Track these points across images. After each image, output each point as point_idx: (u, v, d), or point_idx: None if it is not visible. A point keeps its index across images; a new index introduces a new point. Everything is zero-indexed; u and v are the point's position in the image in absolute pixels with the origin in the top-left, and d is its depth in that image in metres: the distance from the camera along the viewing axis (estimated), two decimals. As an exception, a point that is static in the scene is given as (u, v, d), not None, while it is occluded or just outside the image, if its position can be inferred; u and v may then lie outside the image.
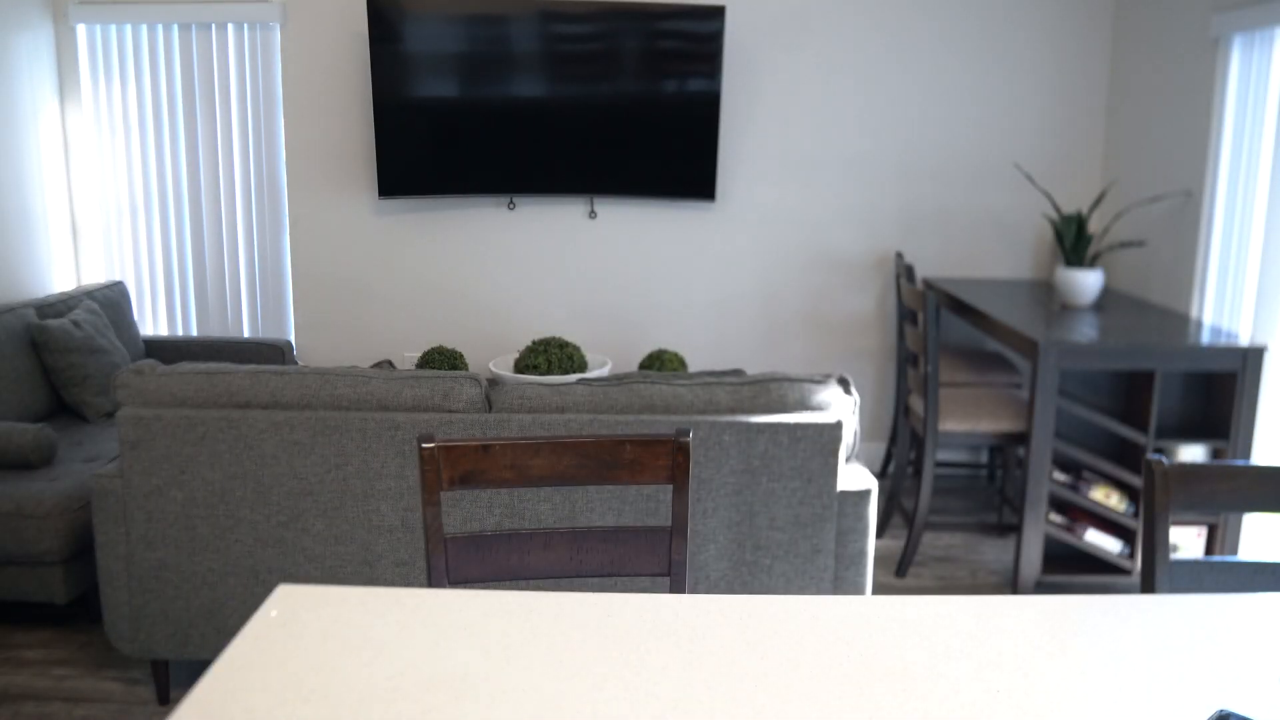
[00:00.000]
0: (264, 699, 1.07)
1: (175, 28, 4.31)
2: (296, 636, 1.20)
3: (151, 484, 2.48)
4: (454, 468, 1.55)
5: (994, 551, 3.81)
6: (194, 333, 4.57)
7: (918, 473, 3.65)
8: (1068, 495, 3.29)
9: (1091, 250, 4.25)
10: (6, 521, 2.82)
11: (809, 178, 4.46)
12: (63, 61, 4.32)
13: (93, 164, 4.41)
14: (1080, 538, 3.33)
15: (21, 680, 2.81)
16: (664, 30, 4.17)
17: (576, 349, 4.07)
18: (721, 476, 2.46)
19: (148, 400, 2.49)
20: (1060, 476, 3.39)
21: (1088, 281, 3.69)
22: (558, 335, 4.47)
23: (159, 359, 3.94)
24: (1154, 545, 1.53)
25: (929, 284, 4.28)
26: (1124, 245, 3.91)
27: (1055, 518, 3.38)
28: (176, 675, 2.84)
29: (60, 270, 4.36)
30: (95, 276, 4.52)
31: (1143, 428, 3.22)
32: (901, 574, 3.56)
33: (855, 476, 2.55)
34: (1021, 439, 3.47)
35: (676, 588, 1.62)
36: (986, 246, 4.51)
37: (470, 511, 2.48)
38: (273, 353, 4.22)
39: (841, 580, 2.55)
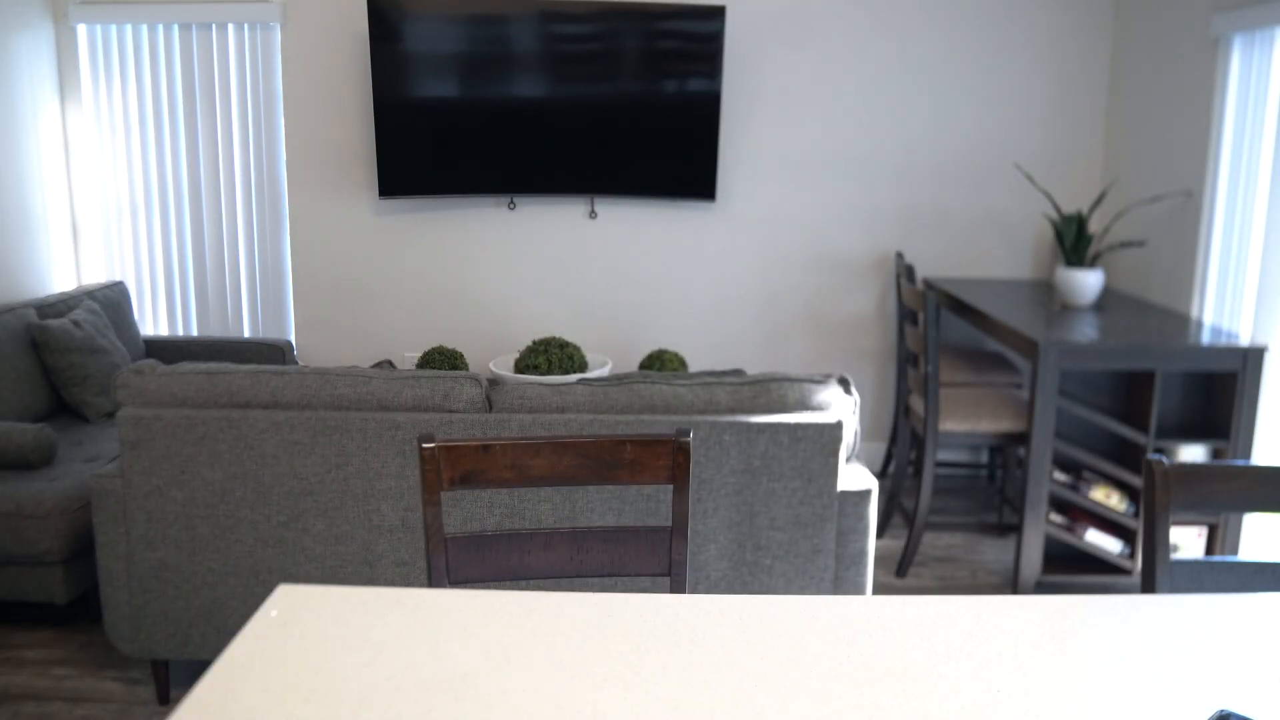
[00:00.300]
0: (264, 699, 1.07)
1: (175, 28, 4.31)
2: (296, 636, 1.20)
3: (151, 484, 2.48)
4: (454, 468, 1.55)
5: (994, 551, 3.81)
6: (194, 333, 4.57)
7: (918, 473, 3.65)
8: (1068, 495, 3.29)
9: (1091, 250, 4.25)
10: (6, 521, 2.82)
11: (809, 178, 4.46)
12: (63, 61, 4.32)
13: (93, 164, 4.41)
14: (1080, 538, 3.33)
15: (21, 680, 2.81)
16: (664, 30, 4.17)
17: (576, 349, 4.07)
18: (722, 476, 2.46)
19: (148, 400, 2.49)
20: (1060, 476, 3.39)
21: (1088, 281, 3.69)
22: (558, 335, 4.47)
23: (159, 359, 3.94)
24: (1154, 545, 1.53)
25: (929, 284, 4.28)
26: (1124, 245, 3.91)
27: (1055, 518, 3.38)
28: (176, 675, 2.84)
29: (60, 270, 4.36)
30: (95, 276, 4.52)
31: (1143, 428, 3.22)
32: (901, 574, 3.56)
33: (855, 476, 2.55)
34: (1022, 439, 3.47)
35: (676, 588, 1.62)
36: (986, 246, 4.51)
37: (470, 511, 2.48)
38: (273, 353, 4.22)
39: (841, 580, 2.55)
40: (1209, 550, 3.29)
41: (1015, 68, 4.36)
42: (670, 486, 2.16)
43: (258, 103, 4.38)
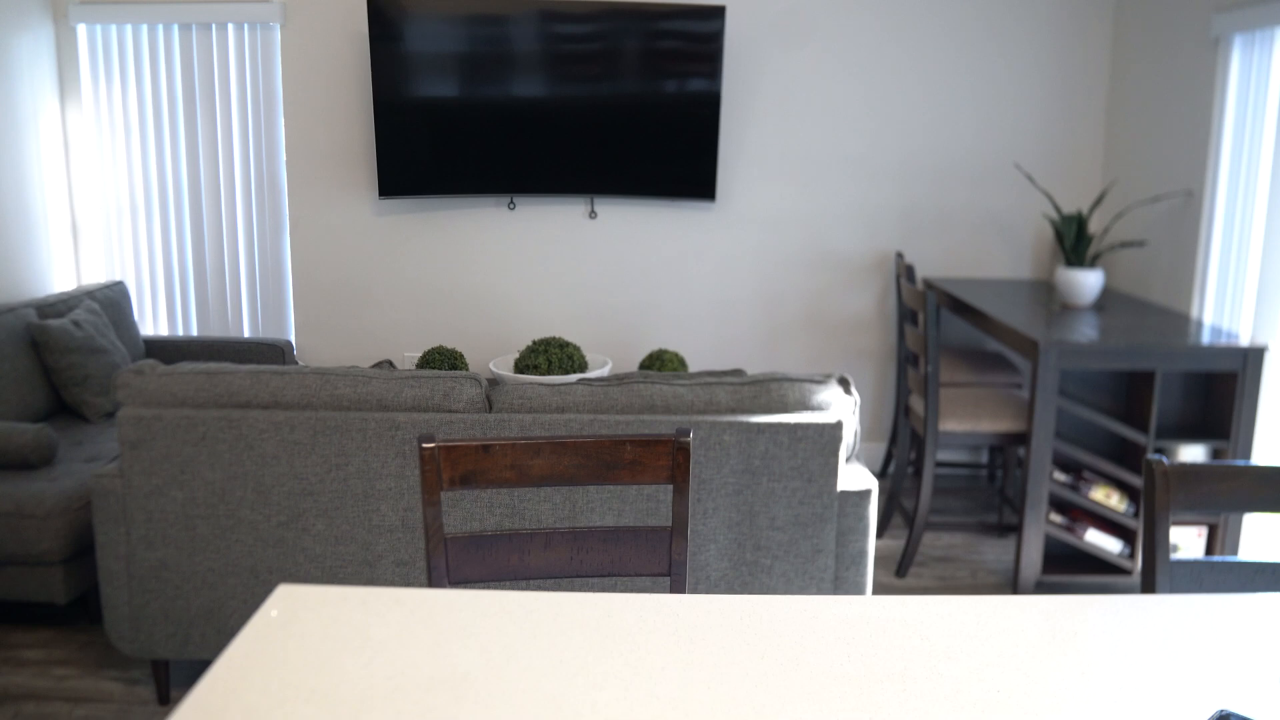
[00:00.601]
0: (264, 699, 1.07)
1: (175, 28, 4.31)
2: (296, 636, 1.20)
3: (151, 484, 2.48)
4: (454, 468, 1.55)
5: (994, 551, 3.81)
6: (194, 333, 4.57)
7: (918, 473, 3.65)
8: (1068, 495, 3.29)
9: (1092, 250, 4.25)
10: (6, 521, 2.82)
11: (809, 178, 4.46)
12: (63, 61, 4.32)
13: (93, 164, 4.41)
14: (1080, 538, 3.33)
15: (21, 680, 2.81)
16: (664, 30, 4.17)
17: (576, 349, 4.07)
18: (722, 476, 2.46)
19: (148, 400, 2.49)
20: (1060, 476, 3.39)
21: (1088, 281, 3.69)
22: (558, 335, 4.47)
23: (159, 359, 3.94)
24: (1154, 545, 1.53)
25: (929, 284, 4.28)
26: (1124, 245, 3.91)
27: (1055, 518, 3.38)
28: (176, 675, 2.84)
29: (60, 270, 4.36)
30: (95, 276, 4.52)
31: (1143, 428, 3.22)
32: (901, 574, 3.56)
33: (855, 476, 2.55)
34: (1022, 439, 3.47)
35: (676, 588, 1.62)
36: (986, 246, 4.51)
37: (470, 511, 2.48)
38: (273, 353, 4.22)
39: (842, 580, 2.55)
40: (1209, 550, 3.29)
41: (1015, 68, 4.36)
42: (670, 486, 2.16)
43: (258, 103, 4.38)
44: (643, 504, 2.47)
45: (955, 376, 3.86)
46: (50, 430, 3.11)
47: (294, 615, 1.26)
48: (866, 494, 2.51)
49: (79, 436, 3.46)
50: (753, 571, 2.51)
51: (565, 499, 2.46)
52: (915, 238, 4.50)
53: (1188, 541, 3.29)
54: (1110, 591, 3.42)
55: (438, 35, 4.14)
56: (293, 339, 4.57)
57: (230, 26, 4.32)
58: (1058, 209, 3.86)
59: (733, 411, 2.48)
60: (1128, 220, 4.18)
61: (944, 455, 4.74)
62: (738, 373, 2.74)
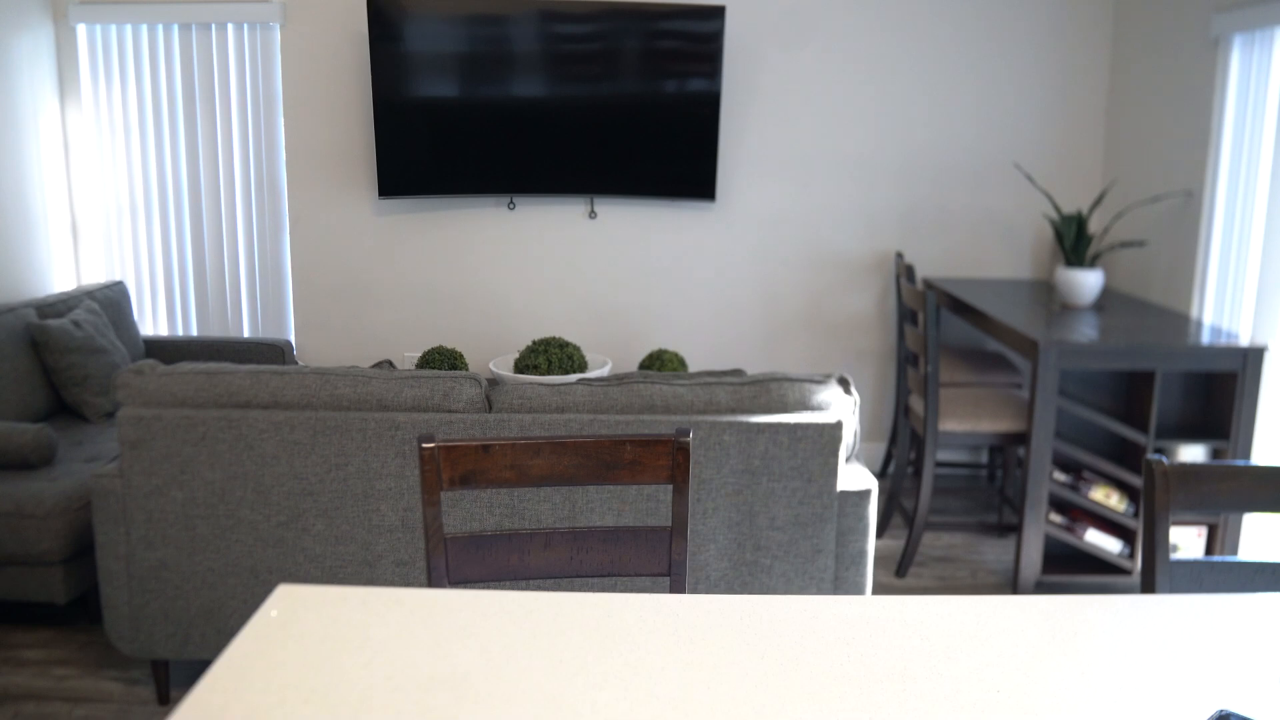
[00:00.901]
0: (264, 699, 1.07)
1: (175, 28, 4.31)
2: (296, 636, 1.20)
3: (151, 484, 2.48)
4: (454, 468, 1.55)
5: (994, 551, 3.81)
6: (194, 333, 4.57)
7: (918, 473, 3.65)
8: (1068, 495, 3.29)
9: (1091, 250, 4.25)
10: (6, 521, 2.82)
11: (809, 178, 4.46)
12: (63, 61, 4.32)
13: (93, 164, 4.41)
14: (1080, 538, 3.33)
15: (21, 680, 2.81)
16: (664, 30, 4.17)
17: (576, 349, 4.07)
18: (721, 476, 2.46)
19: (148, 400, 2.49)
20: (1060, 476, 3.39)
21: (1088, 281, 3.69)
22: (558, 335, 4.47)
23: (159, 359, 3.94)
24: (1154, 545, 1.53)
25: (929, 284, 4.28)
26: (1124, 245, 3.91)
27: (1055, 518, 3.38)
28: (176, 675, 2.85)
29: (60, 270, 4.36)
30: (95, 276, 4.52)
31: (1143, 428, 3.22)
32: (901, 574, 3.56)
33: (855, 476, 2.55)
34: (1021, 439, 3.47)
35: (676, 588, 1.62)
36: (986, 246, 4.51)
37: (470, 511, 2.48)
38: (273, 353, 4.22)
39: (841, 580, 2.55)
40: (1209, 550, 3.29)
41: (1015, 67, 4.36)
42: (670, 486, 2.16)
43: (258, 103, 4.38)
44: (643, 504, 2.47)
45: (955, 376, 3.86)
46: (50, 430, 3.11)
47: (294, 615, 1.26)
48: (866, 494, 2.51)
49: (79, 436, 3.46)
50: (753, 571, 2.51)
51: (565, 499, 2.46)
52: (915, 238, 4.50)
53: (1188, 541, 3.29)
54: (1110, 591, 3.42)
55: (438, 35, 4.14)
56: (293, 339, 4.57)
57: (230, 26, 4.32)
58: (1058, 209, 3.86)
59: (733, 411, 2.48)
60: (1128, 220, 4.18)
61: (944, 455, 4.74)
62: (738, 373, 2.74)
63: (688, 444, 1.58)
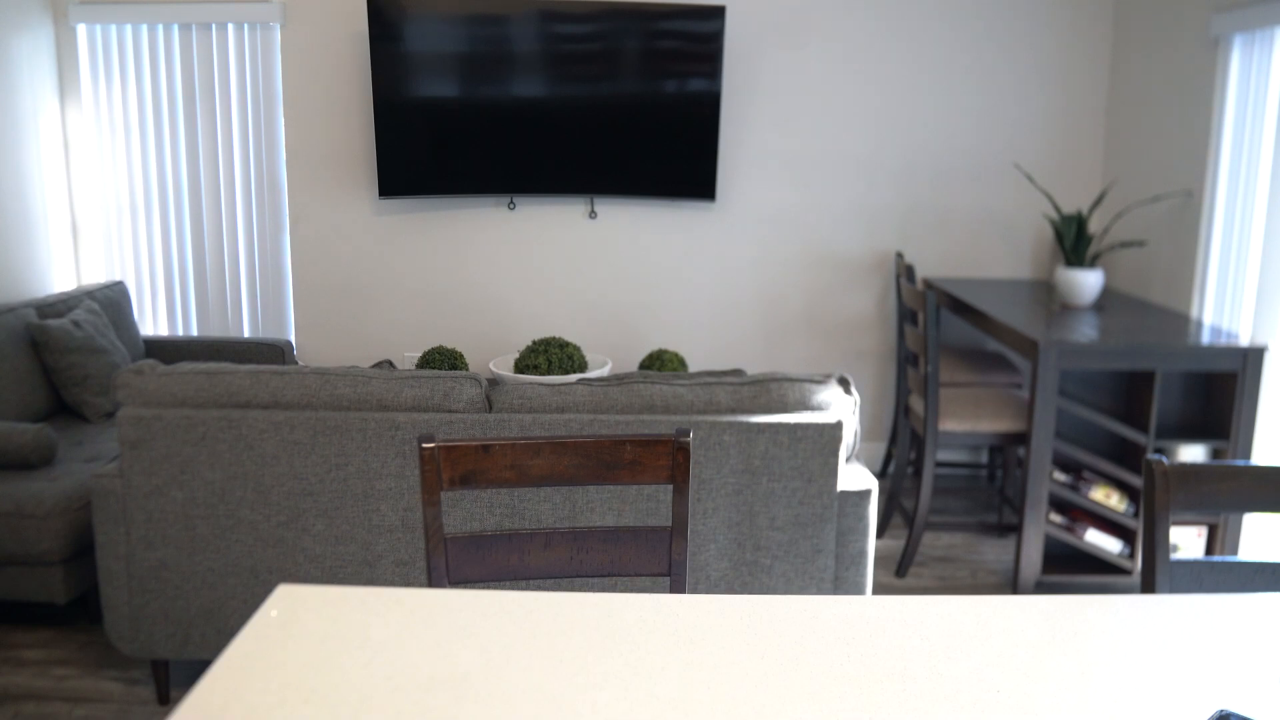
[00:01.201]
0: (264, 699, 1.07)
1: (175, 28, 4.32)
2: (296, 636, 1.20)
3: (151, 484, 2.48)
4: (454, 468, 1.55)
5: (994, 551, 3.81)
6: (194, 333, 4.57)
7: (918, 473, 3.65)
8: (1068, 495, 3.29)
9: (1091, 250, 4.25)
10: (6, 521, 2.82)
11: (809, 178, 4.46)
12: (63, 61, 4.32)
13: (93, 164, 4.41)
14: (1080, 538, 3.33)
15: (21, 680, 2.81)
16: (664, 30, 4.17)
17: (576, 349, 4.07)
18: (722, 476, 2.46)
19: (148, 400, 2.49)
20: (1060, 476, 3.39)
21: (1088, 281, 3.69)
22: (558, 335, 4.47)
23: (159, 359, 3.94)
24: (1154, 545, 1.53)
25: (929, 284, 4.28)
26: (1124, 245, 3.91)
27: (1055, 518, 3.38)
28: (176, 675, 2.85)
29: (60, 270, 4.36)
30: (95, 276, 4.52)
31: (1143, 428, 3.22)
32: (901, 574, 3.56)
33: (855, 476, 2.55)
34: (1021, 439, 3.47)
35: (676, 588, 1.62)
36: (986, 246, 4.51)
37: (470, 511, 2.48)
38: (273, 353, 4.22)
39: (841, 580, 2.55)
40: (1209, 550, 3.29)
41: (1015, 68, 4.36)
42: (670, 486, 2.16)
43: (258, 103, 4.38)
44: (643, 504, 2.47)
45: (955, 376, 3.86)
46: (50, 430, 3.11)
47: (294, 615, 1.26)
48: (866, 494, 2.51)
49: (79, 436, 3.46)
50: (753, 571, 2.51)
51: (565, 499, 2.46)
52: (915, 238, 4.50)
53: (1188, 541, 3.29)
54: (1110, 591, 3.42)
55: (438, 35, 4.14)
56: (293, 339, 4.57)
57: (230, 26, 4.32)
58: (1058, 209, 3.86)
59: (733, 411, 2.48)
60: (1128, 220, 4.18)
61: (944, 455, 4.74)
62: (738, 373, 2.74)
63: (688, 444, 1.58)
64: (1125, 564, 3.32)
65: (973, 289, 4.09)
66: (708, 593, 2.52)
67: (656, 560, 1.62)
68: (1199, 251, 3.65)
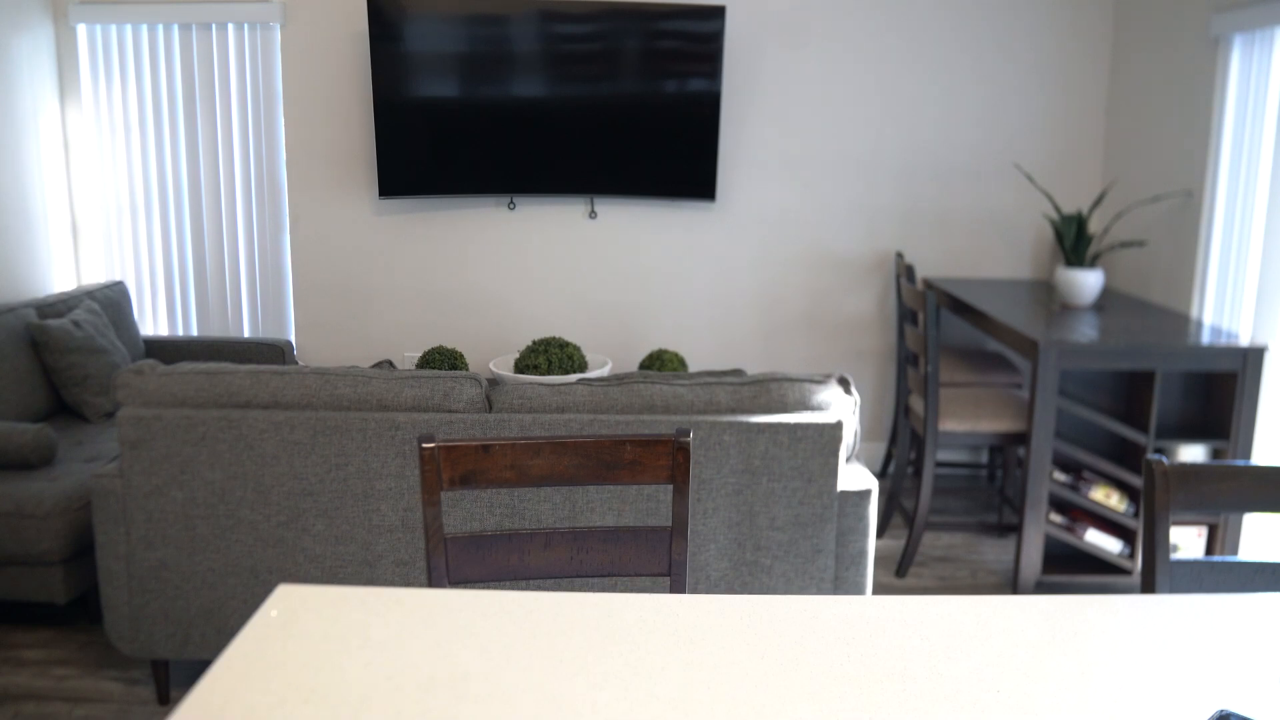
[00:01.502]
0: (264, 699, 1.07)
1: (175, 28, 4.32)
2: (296, 636, 1.20)
3: (151, 484, 2.48)
4: (454, 468, 1.55)
5: (994, 551, 3.81)
6: (194, 333, 4.57)
7: (918, 473, 3.65)
8: (1068, 495, 3.29)
9: (1091, 250, 4.25)
10: (6, 521, 2.82)
11: (809, 178, 4.46)
12: (63, 61, 4.32)
13: (93, 164, 4.41)
14: (1080, 538, 3.33)
15: (21, 680, 2.81)
16: (664, 30, 4.17)
17: (576, 349, 4.07)
18: (722, 476, 2.46)
19: (148, 400, 2.49)
20: (1060, 476, 3.39)
21: (1088, 281, 3.69)
22: (558, 335, 4.47)
23: (159, 359, 3.94)
24: (1154, 545, 1.53)
25: (929, 284, 4.28)
26: (1124, 245, 3.91)
27: (1055, 518, 3.38)
28: (176, 675, 2.84)
29: (60, 270, 4.36)
30: (95, 276, 4.52)
31: (1143, 428, 3.22)
32: (901, 574, 3.56)
33: (855, 476, 2.55)
34: (1021, 439, 3.47)
35: (676, 588, 1.62)
36: (986, 246, 4.51)
37: (470, 511, 2.48)
38: (273, 353, 4.22)
39: (842, 580, 2.55)
40: (1209, 550, 3.29)
41: (1016, 68, 4.36)
42: (670, 486, 2.16)
43: (258, 103, 4.38)
44: (643, 504, 2.47)
45: (955, 376, 3.86)
46: (50, 430, 3.11)
47: (294, 615, 1.26)
48: (866, 494, 2.51)
49: (79, 436, 3.46)
50: (753, 571, 2.51)
51: (565, 499, 2.46)
52: (915, 238, 4.50)
53: (1188, 541, 3.29)
54: (1110, 591, 3.42)
55: (438, 35, 4.14)
56: (293, 339, 4.57)
57: (230, 26, 4.32)
58: (1058, 209, 3.86)
59: (733, 411, 2.48)
60: (1128, 220, 4.18)
61: (944, 455, 4.74)
62: (738, 373, 2.74)
63: (688, 444, 1.58)
64: (1125, 564, 3.32)
65: (973, 289, 4.09)
66: (708, 593, 2.52)
67: (656, 560, 1.62)
68: (1199, 251, 3.65)
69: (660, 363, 4.10)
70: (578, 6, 4.13)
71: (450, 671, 1.13)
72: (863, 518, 2.52)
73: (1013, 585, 3.41)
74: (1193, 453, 3.35)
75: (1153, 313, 3.62)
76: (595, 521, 2.48)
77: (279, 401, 2.48)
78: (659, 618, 1.27)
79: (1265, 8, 3.23)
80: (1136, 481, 3.24)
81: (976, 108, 4.39)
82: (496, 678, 1.12)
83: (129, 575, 2.53)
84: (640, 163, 4.31)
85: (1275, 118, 3.30)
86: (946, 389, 3.75)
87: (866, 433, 4.68)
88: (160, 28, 4.32)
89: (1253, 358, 3.10)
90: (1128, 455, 3.35)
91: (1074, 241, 3.75)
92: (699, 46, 4.19)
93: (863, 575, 2.56)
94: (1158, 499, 1.52)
